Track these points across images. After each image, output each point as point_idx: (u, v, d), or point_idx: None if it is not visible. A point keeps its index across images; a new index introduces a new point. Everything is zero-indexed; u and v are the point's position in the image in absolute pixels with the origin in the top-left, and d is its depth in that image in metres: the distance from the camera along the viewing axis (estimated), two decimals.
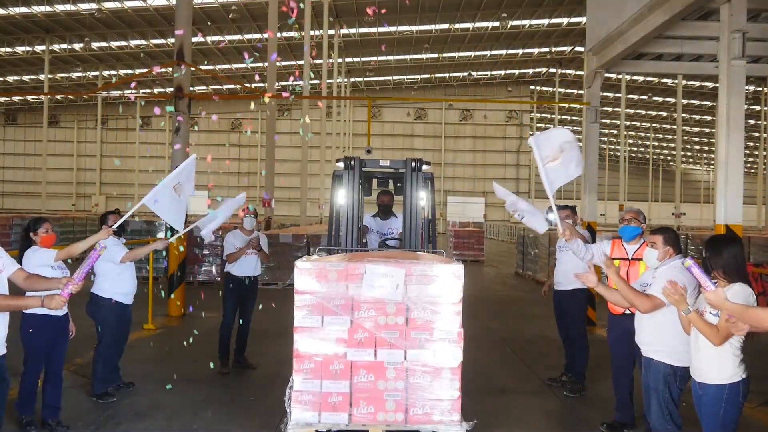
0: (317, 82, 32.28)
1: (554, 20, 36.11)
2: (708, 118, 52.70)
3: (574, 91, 51.59)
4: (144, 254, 6.13)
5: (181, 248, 10.25)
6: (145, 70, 38.00)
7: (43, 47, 37.53)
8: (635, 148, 68.65)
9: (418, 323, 3.83)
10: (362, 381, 3.84)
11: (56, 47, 39.04)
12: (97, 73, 43.63)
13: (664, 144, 66.25)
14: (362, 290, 3.81)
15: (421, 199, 5.57)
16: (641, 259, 5.03)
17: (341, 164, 5.58)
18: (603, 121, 50.51)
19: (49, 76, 38.97)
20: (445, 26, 36.81)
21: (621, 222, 5.34)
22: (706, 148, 64.34)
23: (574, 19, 35.47)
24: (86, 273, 3.70)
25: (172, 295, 10.52)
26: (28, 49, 38.46)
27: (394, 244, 6.37)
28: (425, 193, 5.84)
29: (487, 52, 43.46)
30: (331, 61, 32.50)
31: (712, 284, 3.27)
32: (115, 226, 5.41)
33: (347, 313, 3.84)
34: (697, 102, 50.00)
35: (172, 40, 14.61)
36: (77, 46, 38.62)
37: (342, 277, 3.85)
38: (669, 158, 69.16)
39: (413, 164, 5.43)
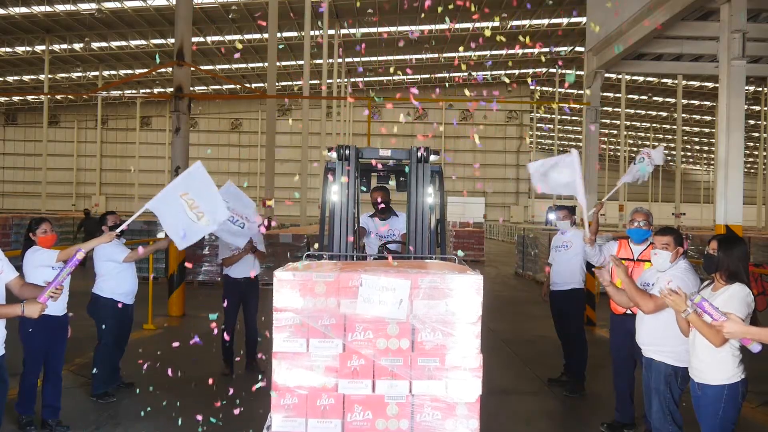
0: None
1: (554, 20, 36.12)
2: (708, 118, 52.69)
3: (574, 91, 51.59)
4: (148, 254, 6.10)
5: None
6: (145, 70, 37.99)
7: (43, 47, 37.52)
8: (635, 148, 68.63)
9: (426, 348, 3.16)
10: (357, 420, 3.18)
11: (56, 47, 39.04)
12: (97, 73, 43.63)
13: (664, 144, 66.24)
14: (357, 307, 3.17)
15: (429, 195, 4.71)
16: (646, 261, 5.04)
17: (333, 154, 4.66)
18: (603, 121, 50.52)
19: (49, 76, 38.96)
20: (445, 26, 36.80)
21: (630, 223, 5.36)
22: (706, 148, 64.35)
23: (574, 19, 35.48)
24: (62, 280, 3.59)
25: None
26: (28, 49, 38.45)
27: (395, 248, 5.66)
28: (433, 188, 4.98)
29: (487, 52, 43.46)
30: (330, 61, 32.50)
31: (723, 316, 3.16)
32: (118, 231, 5.35)
33: (339, 336, 3.17)
34: (697, 102, 49.99)
35: (172, 40, 14.60)
36: (77, 46, 38.63)
37: (332, 290, 3.18)
38: (669, 158, 69.13)
39: (419, 154, 4.59)
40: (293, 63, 40.95)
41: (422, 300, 3.17)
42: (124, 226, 5.31)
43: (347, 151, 4.61)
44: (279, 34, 27.35)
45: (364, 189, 5.78)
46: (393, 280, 3.17)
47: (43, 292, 3.54)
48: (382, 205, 5.94)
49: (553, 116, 56.13)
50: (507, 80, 50.19)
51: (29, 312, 3.48)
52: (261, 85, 45.03)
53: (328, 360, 3.18)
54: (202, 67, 35.67)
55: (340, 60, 36.74)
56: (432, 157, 4.61)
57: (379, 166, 5.22)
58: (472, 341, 3.18)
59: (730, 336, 3.16)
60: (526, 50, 42.81)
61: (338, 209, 4.56)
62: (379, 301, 3.16)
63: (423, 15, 33.89)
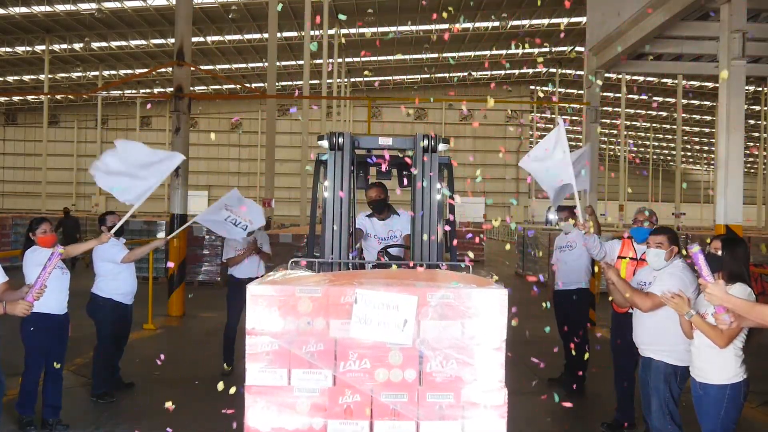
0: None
1: (554, 20, 36.11)
2: (708, 118, 52.70)
3: (574, 91, 51.58)
4: (144, 254, 6.13)
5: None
6: (145, 70, 38.00)
7: (43, 47, 37.52)
8: (635, 148, 68.61)
9: (437, 381, 2.57)
10: None
11: (56, 47, 39.02)
12: (97, 73, 43.62)
13: (664, 144, 66.29)
14: (351, 329, 2.58)
15: (437, 190, 3.98)
16: None
17: (325, 143, 3.93)
18: (603, 121, 50.53)
19: (49, 76, 38.96)
20: (445, 26, 36.81)
21: (634, 222, 5.40)
22: (706, 148, 64.35)
23: (574, 19, 35.48)
24: (45, 278, 3.58)
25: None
26: (28, 49, 38.44)
27: (397, 253, 4.93)
28: (441, 182, 4.22)
29: (487, 52, 43.46)
30: (330, 61, 32.49)
31: (712, 277, 3.11)
32: (114, 229, 5.40)
33: (328, 365, 2.59)
34: (697, 102, 49.99)
35: (172, 40, 14.62)
36: (77, 46, 38.62)
37: (320, 308, 2.59)
38: (669, 158, 69.18)
39: (425, 143, 3.86)
40: (293, 63, 40.93)
41: (432, 320, 2.59)
42: (119, 225, 5.34)
43: (341, 140, 3.85)
44: (279, 34, 27.32)
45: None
46: (395, 296, 2.57)
47: (30, 292, 3.57)
48: (386, 203, 5.18)
49: (552, 116, 56.13)
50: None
51: (10, 310, 3.52)
52: (261, 85, 45.03)
53: (314, 396, 2.59)
54: (202, 67, 35.67)
55: (340, 60, 36.75)
56: (440, 146, 3.88)
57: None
58: (494, 372, 2.58)
59: (710, 298, 3.11)
60: (526, 50, 42.85)
61: (331, 208, 3.84)
62: (378, 321, 2.56)
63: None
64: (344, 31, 35.67)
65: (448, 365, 2.58)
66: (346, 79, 44.25)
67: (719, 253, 3.57)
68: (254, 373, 2.60)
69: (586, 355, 6.40)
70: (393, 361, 2.58)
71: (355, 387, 2.59)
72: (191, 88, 12.05)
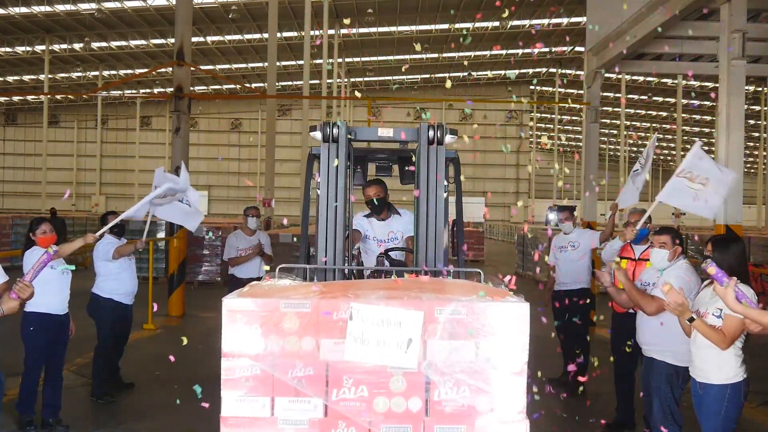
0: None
1: (554, 20, 36.10)
2: (708, 118, 52.71)
3: (574, 91, 51.57)
4: (129, 252, 6.05)
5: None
6: (145, 70, 38.00)
7: (43, 47, 37.51)
8: (635, 148, 68.61)
9: (447, 411, 2.21)
10: None
11: (56, 47, 39.01)
12: (97, 73, 43.62)
13: (664, 144, 66.27)
14: (346, 351, 2.22)
15: (443, 187, 3.44)
16: (648, 260, 5.05)
17: (318, 134, 3.45)
18: (603, 121, 50.54)
19: (49, 76, 38.95)
20: (445, 26, 36.80)
21: (626, 225, 5.39)
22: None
23: (574, 19, 35.47)
24: (31, 276, 3.52)
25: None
26: (28, 49, 38.43)
27: (399, 256, 4.36)
28: (448, 178, 3.71)
29: (487, 52, 43.46)
30: (331, 61, 32.48)
31: (727, 281, 3.05)
32: (98, 234, 5.29)
33: (318, 393, 2.23)
34: (697, 102, 49.98)
35: (172, 40, 14.62)
36: (77, 46, 38.61)
37: (309, 325, 2.22)
38: (669, 158, 69.16)
39: (430, 134, 3.38)
40: (293, 63, 40.92)
41: (441, 340, 2.22)
42: (103, 230, 5.27)
43: (336, 130, 3.40)
44: (279, 34, 27.29)
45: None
46: (397, 311, 2.21)
47: (13, 288, 3.56)
48: (385, 202, 4.64)
49: (552, 116, 56.16)
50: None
51: (7, 309, 3.51)
52: (261, 85, 45.03)
53: (302, 428, 2.24)
54: (202, 67, 35.66)
55: (340, 60, 36.74)
56: (447, 138, 3.40)
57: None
58: (514, 400, 2.22)
59: (726, 302, 3.09)
60: (526, 50, 42.86)
61: (324, 207, 3.38)
62: (378, 341, 2.19)
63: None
64: (344, 31, 35.67)
65: (459, 393, 2.22)
66: (346, 79, 44.23)
67: (713, 254, 3.57)
68: (231, 402, 2.25)
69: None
70: (395, 387, 2.23)
71: (351, 418, 2.22)
72: (191, 88, 12.06)
